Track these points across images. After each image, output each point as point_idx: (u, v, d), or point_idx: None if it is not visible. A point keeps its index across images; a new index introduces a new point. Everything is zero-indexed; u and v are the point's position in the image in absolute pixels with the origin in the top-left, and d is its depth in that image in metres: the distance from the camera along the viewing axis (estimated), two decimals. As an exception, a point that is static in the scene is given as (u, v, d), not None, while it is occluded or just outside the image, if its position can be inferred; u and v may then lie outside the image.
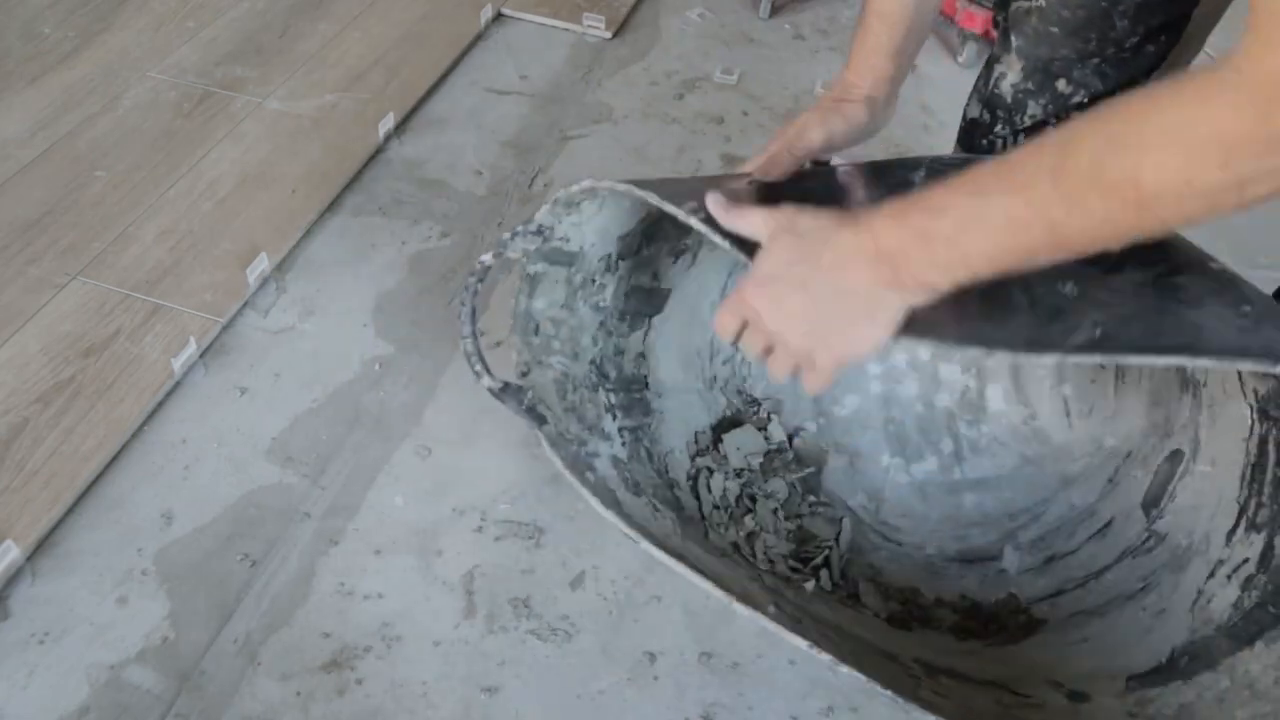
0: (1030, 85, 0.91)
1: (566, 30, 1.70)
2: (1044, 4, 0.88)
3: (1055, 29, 0.88)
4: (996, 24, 0.99)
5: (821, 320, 0.66)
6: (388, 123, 1.44)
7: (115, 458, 1.04)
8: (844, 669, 0.72)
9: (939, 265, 0.61)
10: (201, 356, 1.14)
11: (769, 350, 0.70)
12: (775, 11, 1.77)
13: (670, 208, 0.74)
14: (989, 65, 0.96)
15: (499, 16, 1.71)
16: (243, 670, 0.89)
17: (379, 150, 1.43)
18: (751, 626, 0.94)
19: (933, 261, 0.61)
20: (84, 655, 0.89)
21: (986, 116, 0.96)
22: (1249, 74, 0.49)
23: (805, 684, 0.90)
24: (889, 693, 0.71)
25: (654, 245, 0.96)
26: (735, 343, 0.72)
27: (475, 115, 1.51)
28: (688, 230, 0.82)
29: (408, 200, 1.36)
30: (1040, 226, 0.57)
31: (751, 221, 0.69)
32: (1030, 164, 0.57)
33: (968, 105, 1.00)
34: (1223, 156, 0.50)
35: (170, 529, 0.99)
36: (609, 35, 1.68)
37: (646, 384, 1.02)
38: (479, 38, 1.65)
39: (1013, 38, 0.92)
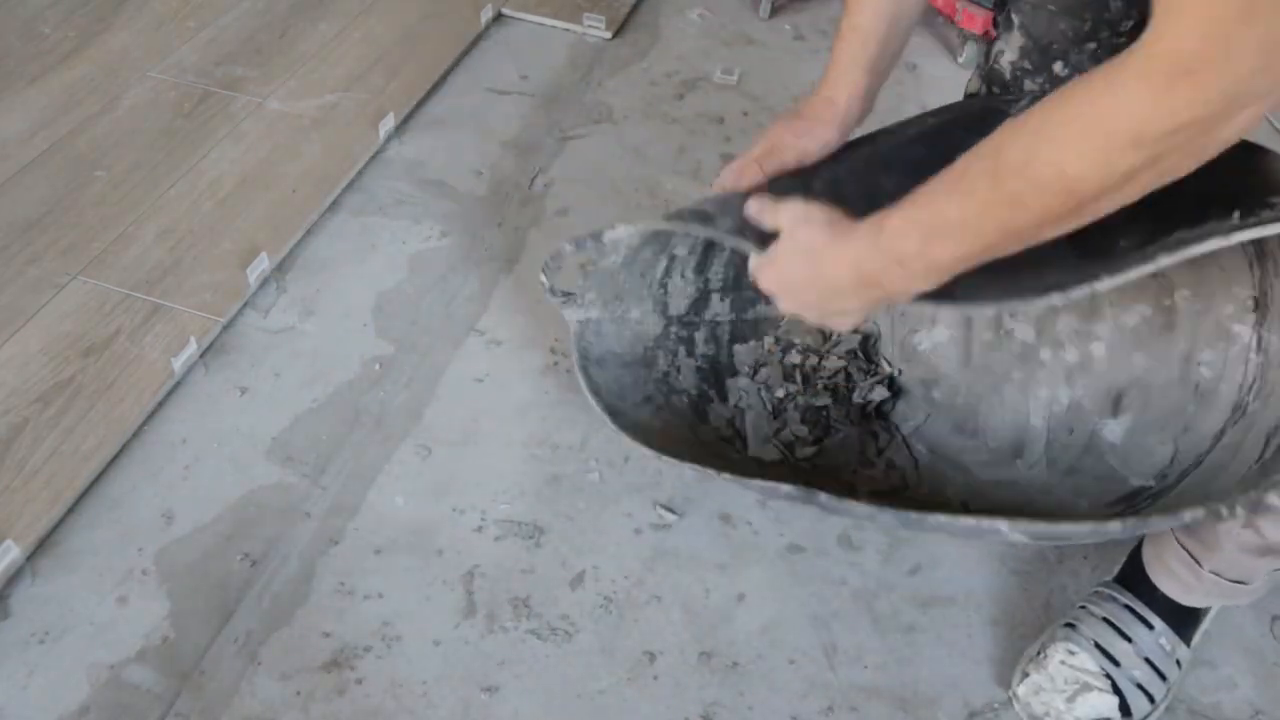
0: (1027, 64, 0.92)
1: (566, 30, 1.70)
2: None
3: (1052, 6, 0.88)
4: (996, 23, 0.99)
5: (822, 307, 0.77)
6: (388, 123, 1.44)
7: (115, 458, 1.04)
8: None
9: (916, 277, 0.68)
10: (202, 356, 1.14)
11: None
12: (775, 11, 1.77)
13: (717, 235, 0.82)
14: (991, 42, 0.97)
15: (499, 16, 1.71)
16: (243, 670, 0.89)
17: (379, 150, 1.43)
18: (752, 625, 0.94)
19: (910, 276, 0.68)
20: (84, 655, 0.89)
21: (984, 92, 0.97)
22: (1150, 52, 0.53)
23: (805, 684, 0.90)
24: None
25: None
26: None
27: (475, 115, 1.51)
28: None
29: (408, 200, 1.36)
30: (992, 226, 0.62)
31: (776, 217, 0.78)
32: (972, 170, 0.62)
33: (969, 80, 1.01)
34: (1134, 137, 0.54)
35: (170, 529, 0.99)
36: (609, 35, 1.68)
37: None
38: (479, 38, 1.65)
39: (1013, 15, 0.92)
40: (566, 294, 0.96)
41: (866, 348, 1.09)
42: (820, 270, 0.74)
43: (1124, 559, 0.93)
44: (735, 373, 1.06)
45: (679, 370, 1.01)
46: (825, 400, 1.06)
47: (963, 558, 1.00)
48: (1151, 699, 0.86)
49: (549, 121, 1.50)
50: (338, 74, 1.54)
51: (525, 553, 0.99)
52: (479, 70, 1.60)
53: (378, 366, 1.15)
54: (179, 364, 1.11)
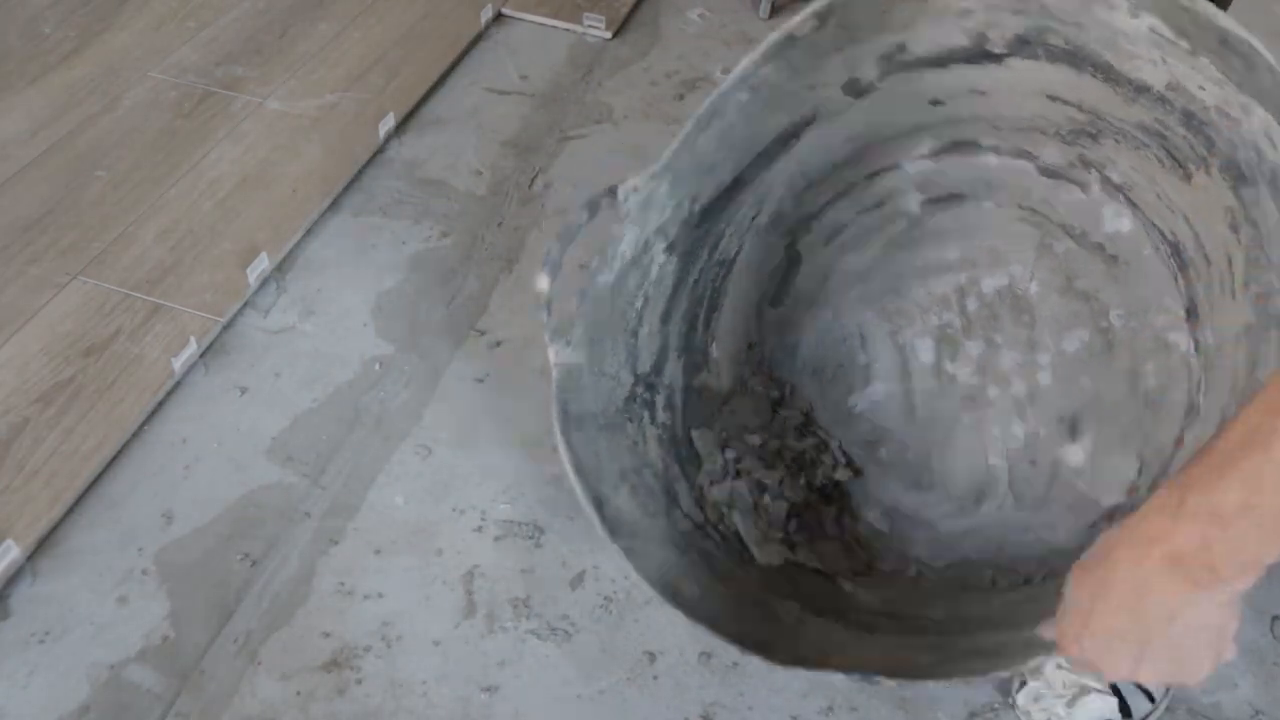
0: None
1: (566, 30, 1.70)
2: None
3: None
4: None
5: (1157, 646, 0.55)
6: (388, 123, 1.44)
7: (115, 457, 1.04)
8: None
9: (1253, 539, 0.49)
10: (202, 356, 1.14)
11: None
12: (775, 11, 1.77)
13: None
14: None
15: (499, 16, 1.71)
16: (243, 670, 0.89)
17: (379, 150, 1.43)
18: (751, 626, 0.94)
19: (1241, 538, 0.49)
20: (84, 654, 0.89)
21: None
22: None
23: (805, 684, 0.90)
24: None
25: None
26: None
27: (475, 115, 1.51)
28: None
29: (408, 200, 1.36)
30: None
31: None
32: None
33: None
34: None
35: (170, 529, 0.99)
36: (609, 35, 1.68)
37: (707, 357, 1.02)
38: (479, 38, 1.65)
39: None
40: (556, 326, 0.86)
41: (809, 420, 1.05)
42: (1128, 590, 0.53)
43: None
44: (694, 452, 0.99)
45: (645, 439, 0.95)
46: (802, 490, 1.00)
47: (963, 558, 1.00)
48: (1151, 698, 0.86)
49: (549, 121, 1.50)
50: (338, 74, 1.54)
51: (525, 553, 0.99)
52: (479, 70, 1.60)
53: (378, 366, 1.15)
54: (179, 364, 1.11)
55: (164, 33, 1.60)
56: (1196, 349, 0.89)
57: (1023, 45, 0.84)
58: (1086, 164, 0.93)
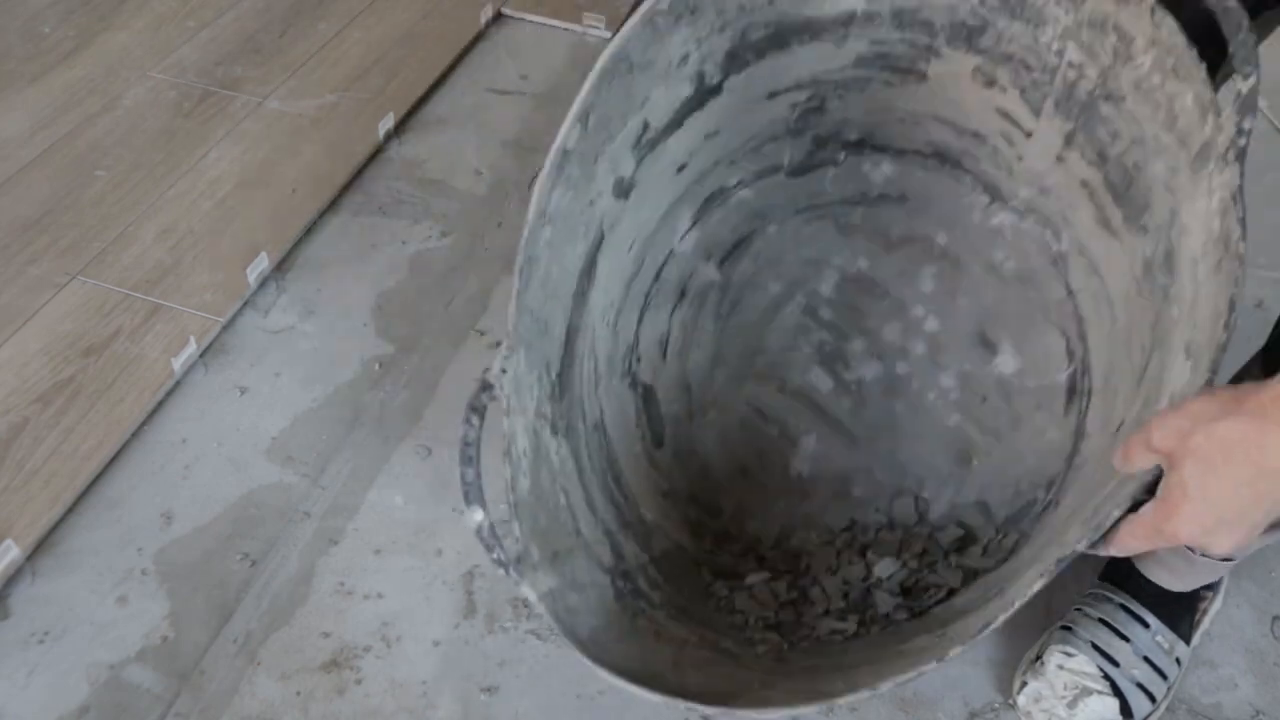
0: None
1: (566, 30, 1.70)
2: None
3: None
4: None
5: (1266, 514, 0.54)
6: (388, 123, 1.44)
7: (115, 457, 1.04)
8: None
9: None
10: (201, 356, 1.14)
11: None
12: (775, 12, 1.77)
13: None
14: None
15: (499, 16, 1.71)
16: (242, 670, 0.89)
17: (379, 150, 1.43)
18: (751, 626, 0.94)
19: None
20: (84, 655, 0.89)
21: None
22: None
23: (805, 684, 0.90)
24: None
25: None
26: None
27: (475, 115, 1.51)
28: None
29: (408, 200, 1.36)
30: None
31: (1161, 437, 0.56)
32: None
33: None
34: None
35: (170, 529, 0.99)
36: (609, 35, 1.68)
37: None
38: (479, 38, 1.65)
39: None
40: (515, 553, 0.70)
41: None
42: (1265, 463, 0.52)
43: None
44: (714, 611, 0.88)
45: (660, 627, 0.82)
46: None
47: (963, 558, 1.00)
48: (1152, 698, 0.86)
49: (549, 121, 1.50)
50: (338, 74, 1.54)
51: (525, 553, 0.99)
52: (479, 70, 1.60)
53: (378, 366, 1.15)
54: (179, 364, 1.11)
55: (164, 33, 1.60)
56: (1019, 214, 0.90)
57: (731, 60, 0.80)
58: (822, 142, 0.91)
